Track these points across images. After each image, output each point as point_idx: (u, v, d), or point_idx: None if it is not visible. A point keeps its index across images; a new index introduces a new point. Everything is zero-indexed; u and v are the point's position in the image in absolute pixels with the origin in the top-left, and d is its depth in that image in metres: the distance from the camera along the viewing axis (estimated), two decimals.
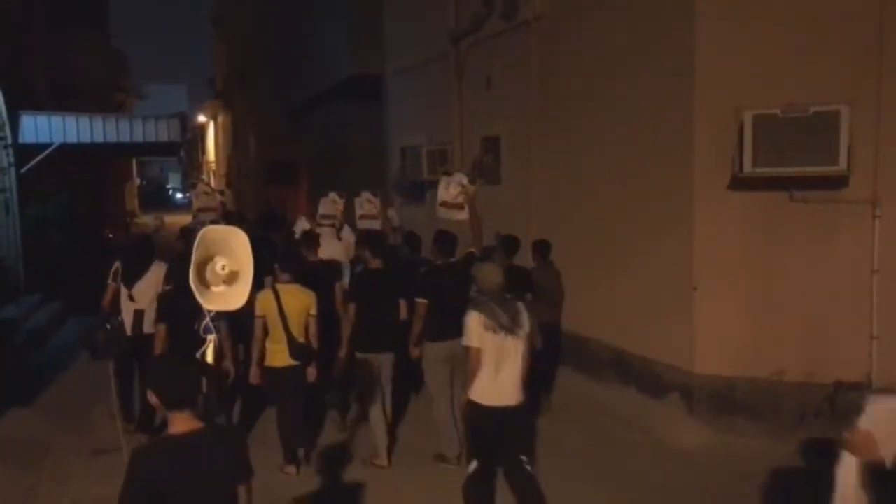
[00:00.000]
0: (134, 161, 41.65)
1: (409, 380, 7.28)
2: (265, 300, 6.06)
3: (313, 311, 6.18)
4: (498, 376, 4.96)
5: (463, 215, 7.36)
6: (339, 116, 17.74)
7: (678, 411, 7.08)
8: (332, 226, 9.53)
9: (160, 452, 3.03)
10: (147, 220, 27.78)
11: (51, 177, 17.16)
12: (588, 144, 8.33)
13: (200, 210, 11.37)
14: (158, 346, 6.06)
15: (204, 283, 3.32)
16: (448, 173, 8.00)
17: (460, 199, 7.34)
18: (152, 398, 3.03)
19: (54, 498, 5.89)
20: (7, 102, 13.91)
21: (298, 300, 6.13)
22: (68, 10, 22.83)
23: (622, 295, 7.84)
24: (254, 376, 6.20)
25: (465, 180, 7.47)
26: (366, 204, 10.03)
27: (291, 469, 6.16)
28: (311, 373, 6.20)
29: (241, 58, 30.36)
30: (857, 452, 2.81)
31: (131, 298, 7.02)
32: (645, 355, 7.54)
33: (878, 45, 6.17)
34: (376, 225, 9.68)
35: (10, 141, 14.00)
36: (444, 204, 7.56)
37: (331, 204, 9.83)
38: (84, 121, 18.20)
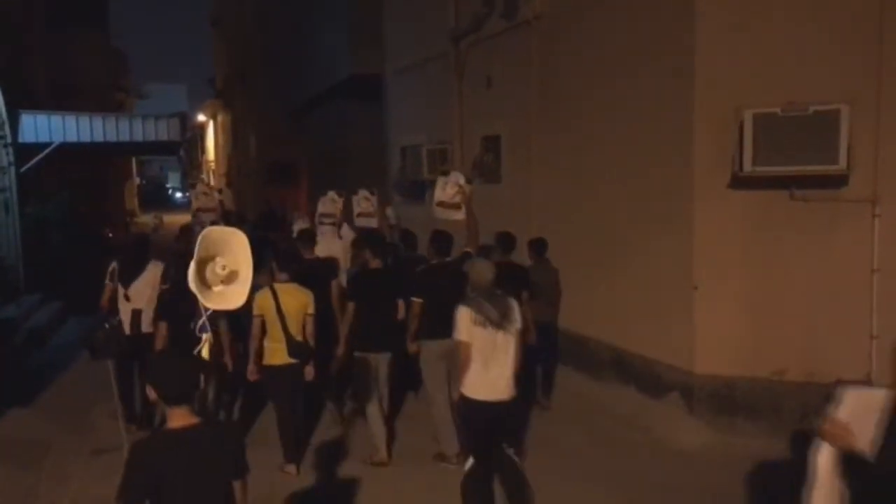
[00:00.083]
0: (133, 160, 41.69)
1: (409, 380, 7.28)
2: (263, 299, 6.09)
3: (311, 310, 6.21)
4: (488, 371, 5.01)
5: (460, 215, 7.37)
6: (339, 116, 17.75)
7: (678, 411, 7.08)
8: (333, 224, 9.58)
9: (159, 446, 3.09)
10: (147, 219, 27.80)
11: (50, 176, 17.18)
12: (588, 144, 8.33)
13: (199, 210, 11.53)
14: (159, 345, 6.09)
15: (204, 283, 3.35)
16: (446, 173, 8.02)
17: (457, 199, 7.35)
18: (151, 393, 3.08)
19: (54, 498, 5.88)
20: (7, 102, 13.92)
21: (296, 299, 6.16)
22: (68, 10, 22.84)
23: (622, 294, 7.84)
24: (251, 373, 6.24)
25: (462, 180, 7.48)
26: (363, 202, 10.06)
27: (292, 468, 6.17)
28: (309, 371, 6.23)
29: (241, 58, 30.36)
30: (831, 441, 2.86)
31: (127, 298, 7.04)
32: (645, 355, 7.54)
33: (878, 44, 6.17)
34: (373, 223, 9.72)
35: (9, 140, 14.00)
36: (441, 204, 7.58)
37: (330, 203, 9.90)
38: (84, 120, 18.22)
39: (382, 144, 14.53)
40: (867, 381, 6.23)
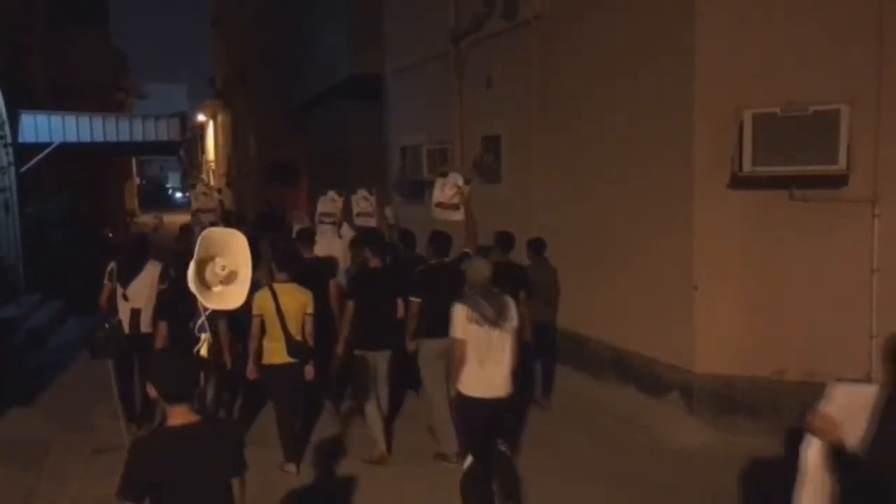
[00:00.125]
0: (133, 160, 41.70)
1: (409, 379, 7.29)
2: (263, 299, 6.11)
3: (310, 309, 6.24)
4: (484, 368, 5.05)
5: (458, 216, 7.39)
6: (339, 116, 17.74)
7: (678, 410, 7.08)
8: (333, 223, 9.61)
9: (159, 443, 3.14)
10: (146, 219, 27.81)
11: (50, 176, 17.18)
12: (588, 144, 8.33)
13: (199, 211, 11.62)
14: (159, 344, 6.10)
15: (204, 283, 3.37)
16: (444, 175, 8.04)
17: (456, 200, 7.38)
18: (152, 391, 3.12)
19: (54, 498, 5.88)
20: (7, 102, 13.92)
21: (295, 299, 6.19)
22: (68, 10, 22.84)
23: (622, 294, 7.84)
24: (250, 372, 6.27)
25: (460, 181, 7.51)
26: (362, 202, 10.10)
27: (292, 467, 6.18)
28: (309, 371, 6.25)
29: (241, 58, 30.34)
30: (821, 435, 2.90)
31: (125, 298, 7.05)
32: (645, 354, 7.55)
33: (878, 44, 6.17)
34: (372, 222, 9.76)
35: (9, 140, 14.00)
36: (440, 205, 7.60)
37: (330, 202, 9.95)
38: (84, 120, 18.22)
39: (382, 144, 14.53)
40: (867, 380, 6.24)
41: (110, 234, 20.78)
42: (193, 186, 13.84)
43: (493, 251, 7.32)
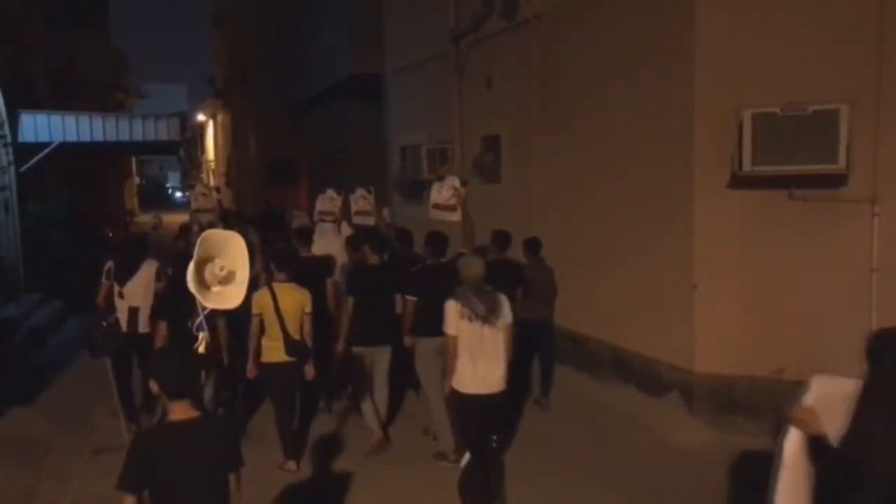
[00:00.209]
0: (133, 160, 41.72)
1: (408, 379, 7.30)
2: (262, 298, 6.15)
3: (308, 309, 6.27)
4: (476, 365, 5.12)
5: (455, 217, 7.42)
6: (339, 116, 17.75)
7: (678, 410, 7.09)
8: (333, 221, 9.64)
9: (159, 437, 3.26)
10: (146, 218, 27.82)
11: (51, 176, 17.18)
12: (588, 144, 8.33)
13: (198, 210, 11.73)
14: (159, 343, 6.13)
15: (203, 283, 3.42)
16: (441, 178, 8.10)
17: (453, 202, 7.42)
18: (154, 386, 3.22)
19: (54, 497, 5.88)
20: (7, 102, 13.92)
21: (294, 299, 6.22)
22: (68, 10, 22.85)
23: (622, 294, 7.84)
24: (250, 371, 6.30)
25: (457, 183, 7.54)
26: (360, 200, 10.12)
27: (292, 465, 6.21)
28: (309, 371, 6.27)
29: (241, 58, 30.35)
30: (800, 426, 2.97)
31: (121, 296, 7.07)
32: (645, 354, 7.55)
33: (877, 44, 6.17)
34: (370, 221, 9.79)
35: (9, 140, 14.00)
36: (437, 206, 7.64)
37: (329, 201, 9.99)
38: (84, 120, 18.25)
39: (382, 144, 14.53)
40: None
41: (110, 234, 20.78)
42: (193, 186, 13.92)
43: (489, 250, 7.35)
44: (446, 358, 5.42)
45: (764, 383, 6.66)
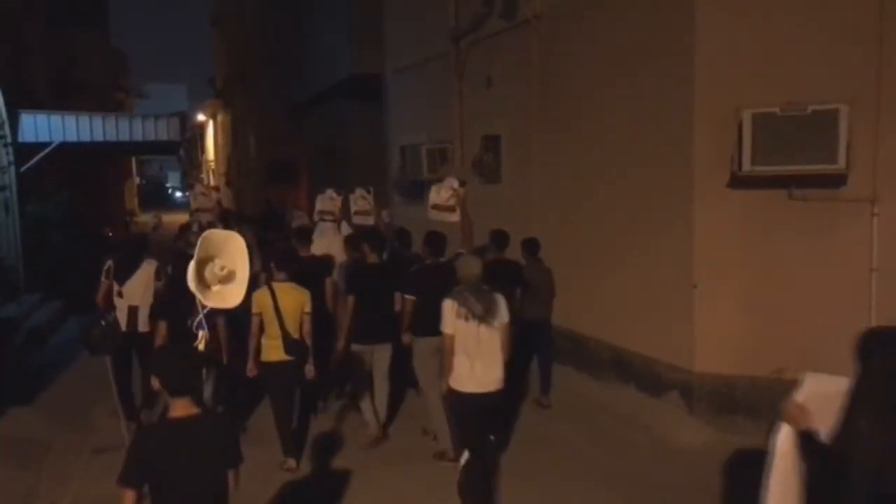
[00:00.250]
0: (133, 160, 41.73)
1: (408, 378, 7.30)
2: (262, 298, 6.17)
3: (307, 308, 6.29)
4: (473, 364, 5.14)
5: (454, 217, 7.44)
6: (339, 116, 17.75)
7: (678, 410, 7.09)
8: (333, 221, 9.66)
9: (160, 433, 3.34)
10: (146, 218, 27.82)
11: (51, 176, 17.18)
12: (588, 144, 8.33)
13: (198, 210, 11.80)
14: (159, 342, 6.14)
15: (203, 283, 3.44)
16: (439, 180, 8.13)
17: (452, 202, 7.43)
18: (156, 383, 3.26)
19: (54, 497, 5.88)
20: (7, 102, 13.92)
21: (293, 298, 6.23)
22: (68, 10, 22.86)
23: (622, 294, 7.84)
24: (250, 370, 6.32)
25: (456, 184, 7.56)
26: (359, 200, 10.14)
27: (291, 463, 6.22)
28: (310, 370, 6.29)
29: (241, 58, 30.35)
30: (792, 423, 3.01)
31: (120, 295, 7.09)
32: (645, 354, 7.55)
33: (877, 44, 6.17)
34: (370, 220, 9.81)
35: (9, 140, 14.01)
36: (436, 207, 7.66)
37: (328, 200, 10.01)
38: (84, 120, 18.26)
39: (382, 144, 14.54)
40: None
41: (110, 234, 20.78)
42: (193, 186, 13.98)
43: (488, 250, 7.36)
44: (443, 357, 5.45)
45: (764, 383, 6.66)
